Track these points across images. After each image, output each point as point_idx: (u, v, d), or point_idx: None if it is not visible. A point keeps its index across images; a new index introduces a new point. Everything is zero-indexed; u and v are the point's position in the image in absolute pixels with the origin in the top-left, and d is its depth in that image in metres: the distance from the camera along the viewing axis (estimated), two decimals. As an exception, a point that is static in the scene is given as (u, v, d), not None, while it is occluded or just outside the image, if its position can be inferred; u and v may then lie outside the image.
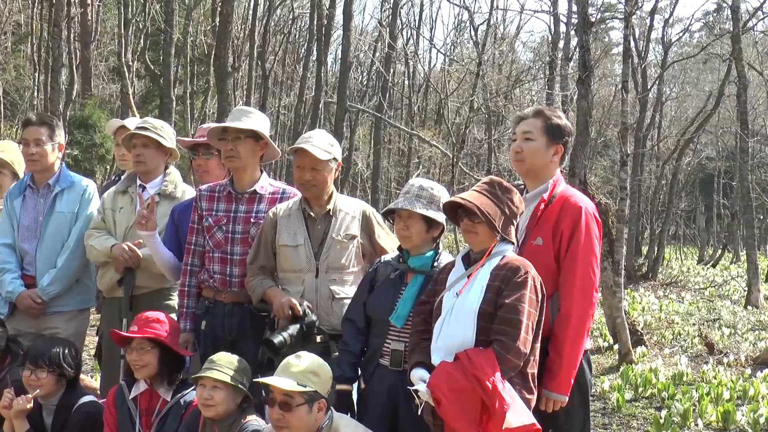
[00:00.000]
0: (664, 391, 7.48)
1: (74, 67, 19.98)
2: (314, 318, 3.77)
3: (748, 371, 8.69)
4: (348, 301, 3.84)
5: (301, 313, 3.74)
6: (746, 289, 16.26)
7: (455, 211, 3.36)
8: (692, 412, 6.74)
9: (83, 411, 4.09)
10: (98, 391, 4.91)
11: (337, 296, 3.90)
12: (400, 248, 3.68)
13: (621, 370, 8.33)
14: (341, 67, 22.68)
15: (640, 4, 15.44)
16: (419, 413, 3.19)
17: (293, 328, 3.71)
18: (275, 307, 3.81)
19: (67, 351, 4.13)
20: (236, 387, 3.59)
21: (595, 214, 3.53)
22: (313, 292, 3.87)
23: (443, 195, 3.59)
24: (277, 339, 3.66)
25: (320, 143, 3.89)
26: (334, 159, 3.95)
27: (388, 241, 4.03)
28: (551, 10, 21.04)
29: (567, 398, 3.35)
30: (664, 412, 6.51)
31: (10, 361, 4.42)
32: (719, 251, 30.39)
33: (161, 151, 4.60)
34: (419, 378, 3.20)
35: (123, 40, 21.76)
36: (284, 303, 3.76)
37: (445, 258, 3.62)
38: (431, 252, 3.61)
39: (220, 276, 4.11)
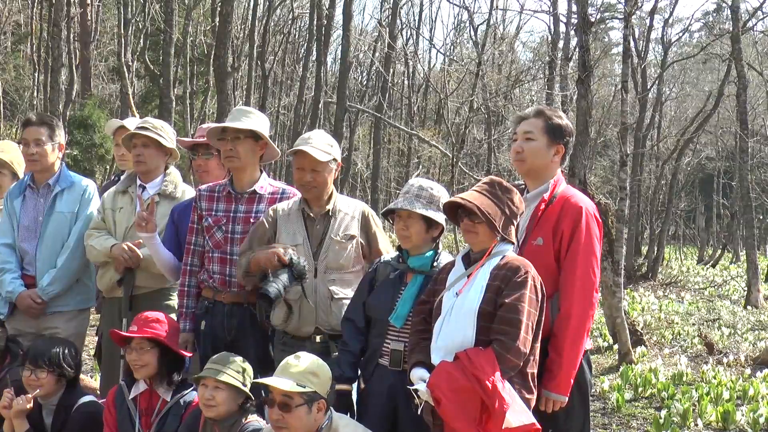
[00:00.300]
0: (664, 391, 7.47)
1: (74, 67, 19.99)
2: (303, 263, 3.77)
3: (748, 371, 8.69)
4: (347, 302, 3.83)
5: (287, 260, 3.74)
6: (746, 289, 16.26)
7: (455, 211, 3.36)
8: (692, 412, 6.74)
9: (83, 411, 4.09)
10: (98, 391, 4.91)
11: (336, 296, 3.89)
12: (399, 248, 3.68)
13: (621, 370, 8.33)
14: (341, 67, 22.68)
15: (639, 4, 15.45)
16: (419, 413, 3.19)
17: (284, 277, 3.71)
18: (263, 262, 3.78)
19: (66, 351, 4.13)
20: (238, 388, 3.58)
21: (596, 214, 3.53)
22: (312, 292, 3.87)
23: (443, 195, 3.59)
24: (272, 289, 3.65)
25: (320, 144, 3.89)
26: (334, 160, 3.95)
27: (385, 245, 4.04)
28: (551, 10, 21.07)
29: (567, 398, 3.35)
30: (663, 412, 6.51)
31: (10, 361, 4.42)
32: (719, 251, 30.39)
33: (161, 151, 4.60)
34: (419, 377, 3.20)
35: (122, 40, 21.76)
36: (270, 254, 3.76)
37: (444, 258, 3.62)
38: (431, 252, 3.61)
39: (220, 276, 4.11)
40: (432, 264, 3.59)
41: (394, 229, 3.68)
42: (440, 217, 3.54)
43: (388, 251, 3.91)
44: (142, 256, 4.38)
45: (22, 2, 25.73)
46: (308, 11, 26.14)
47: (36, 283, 4.59)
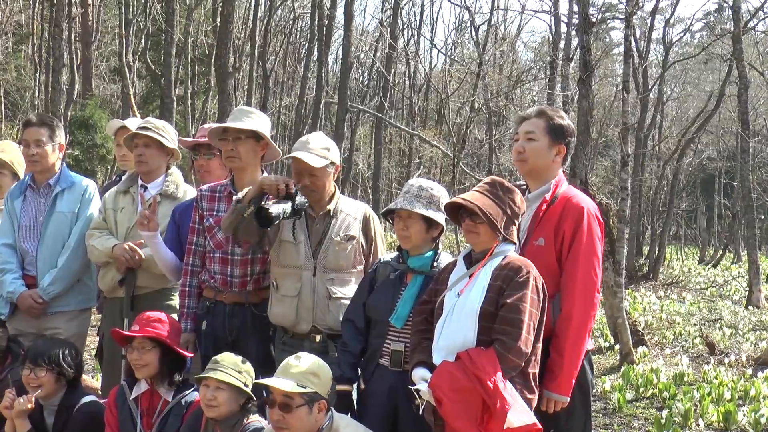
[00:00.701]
0: (665, 391, 7.47)
1: (75, 68, 20.03)
2: (305, 200, 3.77)
3: (749, 371, 8.68)
4: (346, 302, 3.84)
5: (294, 192, 3.73)
6: (747, 289, 16.25)
7: (457, 212, 3.36)
8: (693, 412, 6.73)
9: (84, 411, 4.09)
10: (99, 392, 4.91)
11: (333, 296, 3.89)
12: (399, 248, 3.67)
13: (622, 370, 8.33)
14: (342, 67, 22.71)
15: (641, 5, 15.41)
16: (420, 413, 3.19)
17: (286, 205, 3.70)
18: (267, 185, 3.75)
19: (67, 351, 4.13)
20: (239, 388, 3.58)
21: (597, 214, 3.52)
22: (310, 290, 3.87)
23: (443, 195, 3.58)
24: (275, 210, 3.64)
25: (316, 149, 3.87)
26: (332, 163, 3.92)
27: (382, 249, 4.05)
28: (552, 11, 21.09)
29: (568, 399, 3.34)
30: (665, 413, 6.51)
31: (11, 362, 4.42)
32: (720, 251, 30.39)
33: (163, 152, 4.60)
34: (420, 377, 3.20)
35: (124, 40, 21.79)
36: (279, 179, 3.75)
37: (444, 258, 3.61)
38: (431, 252, 3.60)
39: (221, 276, 4.11)
40: (432, 264, 3.58)
41: (394, 230, 3.68)
42: (440, 217, 3.53)
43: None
44: (143, 256, 4.38)
45: (23, 2, 25.76)
46: (309, 11, 26.17)
47: (37, 283, 4.59)
